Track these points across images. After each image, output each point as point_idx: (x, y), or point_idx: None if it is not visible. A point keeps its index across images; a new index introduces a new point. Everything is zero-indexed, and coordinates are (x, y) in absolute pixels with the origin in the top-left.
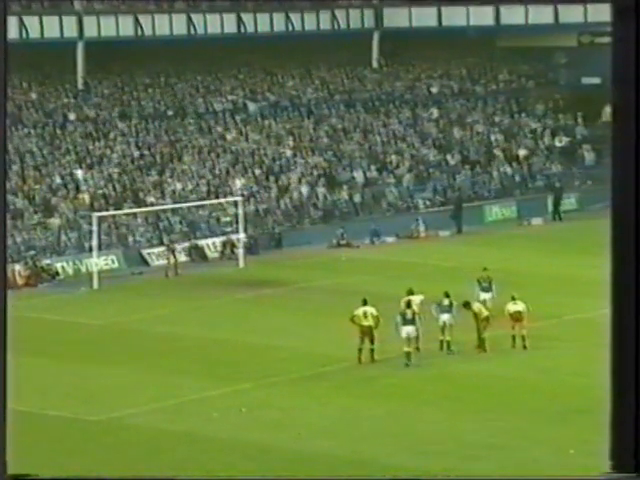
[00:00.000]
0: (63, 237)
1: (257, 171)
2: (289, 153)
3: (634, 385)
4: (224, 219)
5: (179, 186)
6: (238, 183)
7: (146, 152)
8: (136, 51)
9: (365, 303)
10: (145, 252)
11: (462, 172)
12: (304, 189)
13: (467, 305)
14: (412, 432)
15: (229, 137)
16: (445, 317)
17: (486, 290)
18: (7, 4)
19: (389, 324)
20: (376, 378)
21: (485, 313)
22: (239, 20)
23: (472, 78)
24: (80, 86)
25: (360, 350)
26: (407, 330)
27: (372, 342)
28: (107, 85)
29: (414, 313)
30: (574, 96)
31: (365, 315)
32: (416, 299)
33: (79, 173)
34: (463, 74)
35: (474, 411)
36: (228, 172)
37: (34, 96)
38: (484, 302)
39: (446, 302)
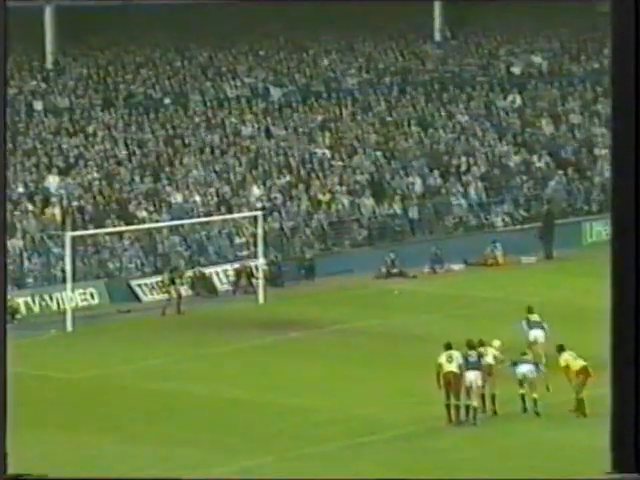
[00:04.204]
0: (26, 264)
1: (282, 177)
2: (324, 153)
3: (634, 385)
4: (238, 240)
5: (179, 197)
6: (257, 193)
7: (137, 152)
8: (123, 19)
9: (449, 347)
10: (135, 283)
11: (553, 178)
12: (344, 201)
13: (561, 348)
14: None
15: (245, 132)
16: (526, 369)
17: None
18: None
19: None
20: (444, 451)
21: (580, 363)
22: None
23: (567, 54)
24: (49, 65)
25: (448, 406)
26: (470, 377)
27: (458, 396)
28: (85, 64)
29: (480, 355)
30: None
31: (450, 360)
32: (490, 350)
33: (50, 180)
34: (555, 49)
35: None
36: (244, 178)
37: None
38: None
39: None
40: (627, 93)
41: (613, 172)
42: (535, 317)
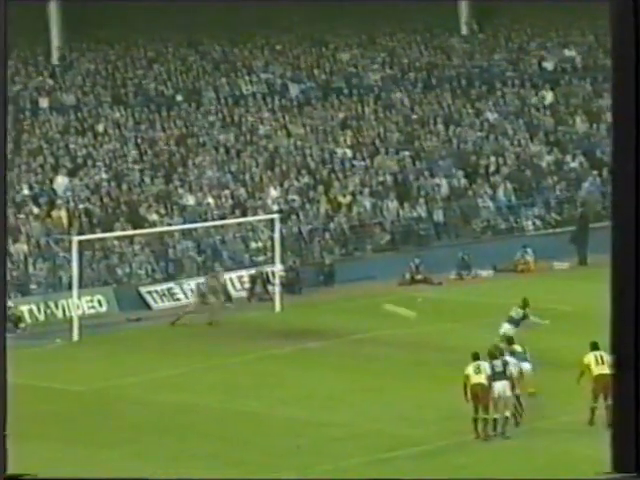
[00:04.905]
0: (31, 269)
1: (300, 178)
2: (345, 153)
3: (634, 385)
4: (254, 245)
5: (192, 199)
6: (274, 194)
7: (147, 151)
8: (133, 11)
9: (477, 358)
10: (145, 290)
11: (587, 180)
12: (366, 203)
13: (594, 347)
14: None
15: (262, 131)
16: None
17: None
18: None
19: None
20: (472, 467)
21: (601, 371)
22: None
23: (602, 48)
24: (55, 60)
25: (476, 420)
26: (498, 387)
27: (486, 409)
28: (93, 59)
29: (505, 363)
30: None
31: (478, 371)
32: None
33: (58, 181)
34: (589, 42)
35: None
36: (261, 179)
37: None
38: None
39: None
40: (627, 93)
41: (613, 172)
42: (518, 348)
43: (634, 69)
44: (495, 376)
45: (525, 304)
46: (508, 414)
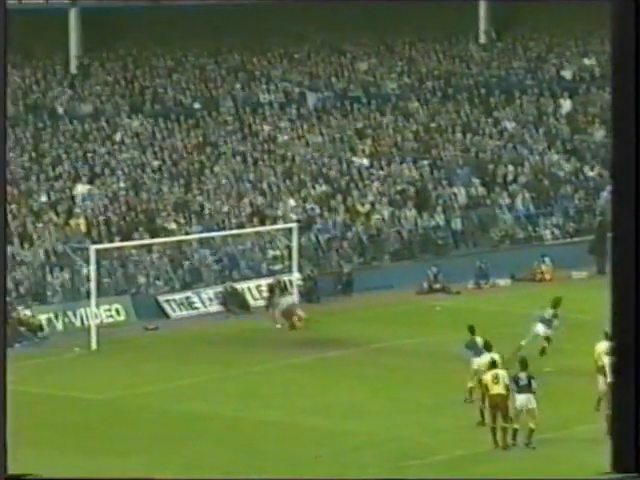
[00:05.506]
0: (49, 278)
1: (318, 187)
2: (363, 162)
3: (634, 384)
4: (272, 253)
5: (210, 208)
6: (292, 203)
7: (166, 160)
8: (151, 21)
9: (494, 365)
10: (163, 299)
11: (606, 189)
12: (384, 212)
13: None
14: None
15: (280, 140)
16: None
17: None
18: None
19: None
20: (486, 475)
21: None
22: None
23: None
24: (74, 70)
25: (494, 430)
26: (521, 400)
27: (505, 418)
28: (111, 68)
29: (530, 377)
30: None
31: (496, 380)
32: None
33: (78, 189)
34: (608, 51)
35: None
36: (279, 188)
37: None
38: None
39: None
40: (628, 93)
41: (614, 172)
42: (479, 340)
43: (634, 69)
44: (520, 389)
45: (556, 303)
46: (532, 425)
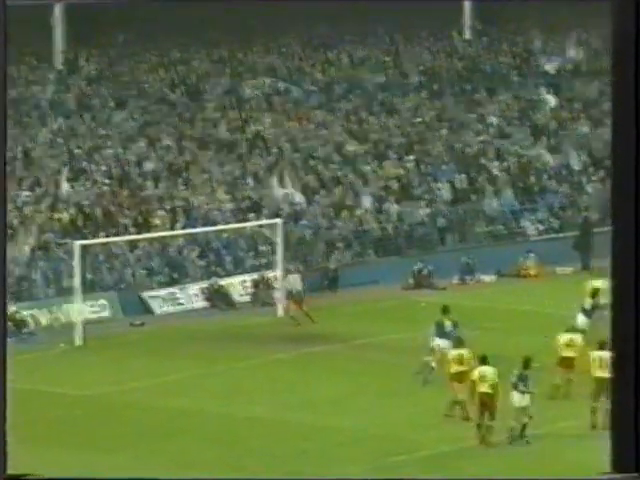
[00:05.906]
0: (33, 274)
1: (304, 181)
2: (348, 156)
3: (634, 384)
4: (257, 249)
5: (196, 202)
6: (278, 198)
7: (151, 155)
8: (136, 15)
9: (484, 361)
10: (148, 295)
11: (591, 183)
12: (368, 206)
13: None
14: None
15: (266, 134)
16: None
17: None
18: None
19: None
20: (472, 470)
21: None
22: None
23: (607, 50)
24: (59, 65)
25: (479, 426)
26: (518, 397)
27: (493, 416)
28: (96, 63)
29: (527, 377)
30: None
31: (483, 378)
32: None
33: (61, 183)
34: (596, 46)
35: None
36: (265, 183)
37: None
38: None
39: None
40: (627, 93)
41: (614, 172)
42: (448, 325)
43: (634, 69)
44: (518, 388)
45: (595, 293)
46: (526, 420)
